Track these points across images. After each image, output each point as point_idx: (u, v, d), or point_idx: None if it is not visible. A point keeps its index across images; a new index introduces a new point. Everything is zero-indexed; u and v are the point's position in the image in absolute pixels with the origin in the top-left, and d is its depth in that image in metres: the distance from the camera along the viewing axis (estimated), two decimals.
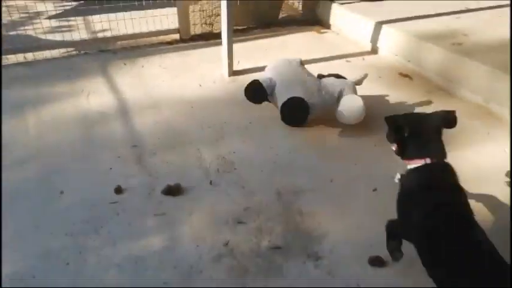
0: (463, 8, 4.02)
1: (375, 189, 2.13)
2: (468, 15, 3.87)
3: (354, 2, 4.19)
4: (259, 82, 2.59)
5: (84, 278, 1.65)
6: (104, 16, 3.62)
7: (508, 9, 4.00)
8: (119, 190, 2.09)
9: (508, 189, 2.14)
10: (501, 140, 2.52)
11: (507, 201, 2.06)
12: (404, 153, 1.60)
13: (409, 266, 1.70)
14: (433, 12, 3.88)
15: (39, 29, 3.53)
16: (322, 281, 1.65)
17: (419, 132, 1.59)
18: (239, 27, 4.13)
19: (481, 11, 3.98)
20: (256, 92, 2.61)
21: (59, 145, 2.42)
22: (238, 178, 2.20)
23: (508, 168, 2.27)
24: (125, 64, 3.40)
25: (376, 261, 1.70)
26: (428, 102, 2.93)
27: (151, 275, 1.66)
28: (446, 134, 2.52)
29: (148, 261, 1.72)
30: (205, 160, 2.33)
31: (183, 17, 3.80)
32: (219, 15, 3.73)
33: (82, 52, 3.59)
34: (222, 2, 2.99)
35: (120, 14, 3.60)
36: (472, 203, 2.00)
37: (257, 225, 1.91)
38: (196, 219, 1.94)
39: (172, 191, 2.08)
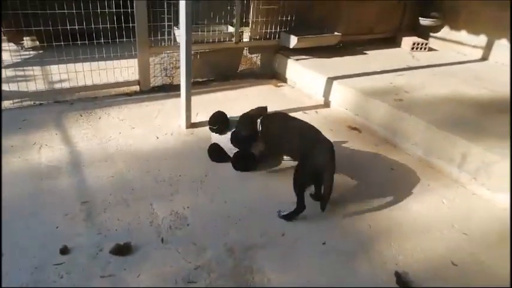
0: (405, 66, 4.39)
1: (324, 243, 2.19)
2: (409, 73, 4.23)
3: (307, 58, 4.47)
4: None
5: None
6: (63, 66, 3.64)
7: (440, 68, 4.43)
8: (64, 250, 2.02)
9: (447, 238, 2.27)
10: (440, 192, 2.70)
11: (449, 251, 2.18)
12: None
13: None
14: (379, 70, 4.21)
15: None
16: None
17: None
18: (199, 80, 4.27)
19: (420, 69, 4.37)
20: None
21: (4, 201, 2.32)
22: (191, 234, 2.20)
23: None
24: (81, 116, 3.39)
25: None
26: (375, 155, 3.11)
27: None
28: (390, 184, 2.67)
29: None
30: (158, 216, 2.32)
31: (144, 69, 3.89)
32: (179, 67, 3.85)
33: (37, 103, 3.55)
34: (181, 54, 3.11)
35: (80, 65, 3.64)
36: (416, 254, 2.12)
37: (207, 284, 1.89)
38: (145, 280, 1.90)
39: (121, 250, 2.04)
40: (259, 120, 2.73)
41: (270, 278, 1.95)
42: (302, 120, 2.67)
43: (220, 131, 2.98)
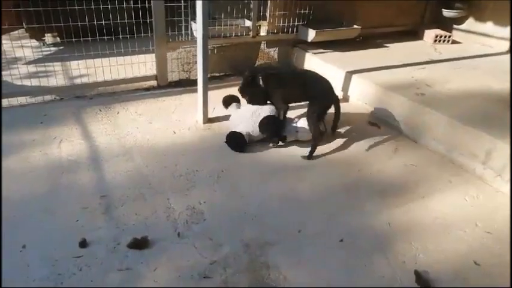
0: (427, 60, 4.27)
1: (341, 240, 2.16)
2: (431, 67, 4.10)
3: (326, 52, 4.40)
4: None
5: None
6: (82, 62, 3.69)
7: (464, 61, 4.28)
8: (83, 243, 2.06)
9: (470, 237, 2.20)
10: (462, 189, 2.62)
11: (471, 251, 2.11)
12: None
13: None
14: (400, 63, 4.10)
15: (16, 75, 3.56)
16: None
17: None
18: (215, 74, 4.26)
19: (443, 63, 4.24)
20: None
21: (25, 195, 2.38)
22: (207, 229, 2.20)
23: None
24: (100, 110, 3.44)
25: None
26: (395, 150, 3.04)
27: None
28: (410, 181, 2.61)
29: None
30: (175, 211, 2.33)
31: (161, 64, 3.91)
32: (196, 62, 3.84)
33: (58, 98, 3.62)
34: (198, 49, 3.10)
35: (99, 61, 3.68)
36: (436, 253, 2.06)
37: (223, 280, 1.89)
38: (161, 274, 1.91)
39: (139, 244, 2.06)
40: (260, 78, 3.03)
41: (286, 274, 1.93)
42: (300, 69, 3.27)
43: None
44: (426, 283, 1.89)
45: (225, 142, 2.95)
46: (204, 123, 3.30)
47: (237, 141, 2.93)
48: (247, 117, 3.03)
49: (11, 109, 3.39)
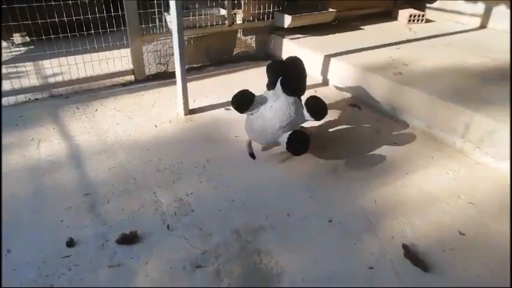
0: (403, 39, 4.32)
1: (330, 221, 2.18)
2: (407, 46, 4.16)
3: (303, 37, 4.39)
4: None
5: None
6: (55, 61, 3.58)
7: (438, 39, 4.35)
8: (71, 243, 2.02)
9: (453, 209, 2.26)
10: (444, 163, 2.68)
11: (456, 221, 2.17)
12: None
13: None
14: (377, 44, 4.14)
15: None
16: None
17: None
18: (194, 65, 4.21)
19: (418, 41, 4.30)
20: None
21: (6, 199, 2.31)
22: (196, 220, 2.19)
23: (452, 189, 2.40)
24: (77, 109, 3.35)
25: None
26: (377, 130, 3.08)
27: None
28: (393, 159, 2.66)
29: None
30: (162, 204, 2.30)
31: (137, 57, 3.83)
32: (173, 54, 3.78)
33: (32, 99, 3.51)
34: (173, 41, 3.05)
35: (72, 58, 3.58)
36: (423, 227, 2.12)
37: (215, 269, 1.89)
38: (153, 267, 1.89)
39: (128, 239, 2.03)
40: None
41: (278, 259, 1.94)
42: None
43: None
44: (415, 256, 1.93)
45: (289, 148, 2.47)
46: (186, 115, 3.26)
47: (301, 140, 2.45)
48: (283, 110, 2.49)
49: None
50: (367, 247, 2.02)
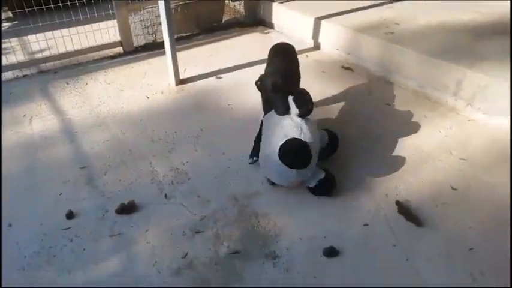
0: None
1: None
2: (398, 5, 4.07)
3: (292, 0, 4.28)
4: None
5: None
6: (40, 35, 3.49)
7: None
8: (70, 215, 2.05)
9: (446, 165, 2.29)
10: (436, 122, 2.70)
11: (448, 177, 2.21)
12: None
13: (363, 254, 1.80)
14: (367, 4, 4.05)
15: None
16: (281, 278, 1.70)
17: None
18: (183, 35, 4.12)
19: (409, 1, 4.20)
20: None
21: (3, 176, 2.31)
22: (193, 188, 2.21)
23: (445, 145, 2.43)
24: (67, 83, 3.30)
25: (330, 252, 1.78)
26: (370, 91, 3.08)
27: None
28: (386, 119, 2.67)
29: (106, 285, 1.70)
30: (159, 174, 2.32)
31: (124, 29, 3.74)
32: (160, 23, 3.70)
33: (20, 75, 3.44)
34: (160, 9, 2.97)
35: (58, 32, 3.49)
36: (416, 183, 2.16)
37: (215, 233, 1.93)
38: (153, 235, 1.94)
39: (126, 209, 2.06)
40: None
41: (276, 220, 1.98)
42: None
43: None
44: (408, 211, 1.98)
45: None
46: (177, 85, 3.23)
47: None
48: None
49: None
50: (362, 205, 2.06)
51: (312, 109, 2.13)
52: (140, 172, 2.33)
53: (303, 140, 2.00)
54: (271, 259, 1.78)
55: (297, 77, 2.53)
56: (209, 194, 2.17)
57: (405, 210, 1.99)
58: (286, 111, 2.13)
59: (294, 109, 2.10)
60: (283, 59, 2.50)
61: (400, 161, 2.35)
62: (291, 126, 2.08)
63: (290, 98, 2.11)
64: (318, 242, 1.85)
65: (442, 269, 1.72)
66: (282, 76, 2.25)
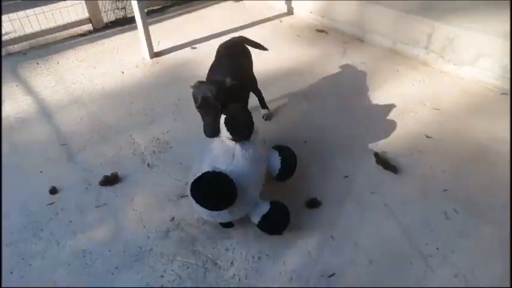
0: None
1: (305, 141, 2.26)
2: None
3: None
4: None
5: (32, 281, 1.63)
6: (4, 17, 3.36)
7: None
8: (54, 190, 2.04)
9: (420, 116, 2.37)
10: (409, 76, 2.76)
11: (422, 126, 2.29)
12: None
13: (343, 203, 1.86)
14: None
15: None
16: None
17: None
18: (154, 8, 4.03)
19: None
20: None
21: None
22: (175, 156, 2.23)
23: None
24: (37, 64, 3.21)
25: (313, 203, 1.84)
26: (344, 52, 3.11)
27: (102, 263, 1.68)
28: (361, 77, 2.70)
29: (96, 252, 1.72)
30: (140, 145, 2.32)
31: (92, 5, 3.63)
32: None
33: None
34: None
35: (22, 12, 3.37)
36: (392, 134, 2.23)
37: None
38: (139, 202, 1.96)
39: (110, 180, 2.07)
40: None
41: None
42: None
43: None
44: (385, 161, 2.06)
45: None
46: (151, 58, 3.19)
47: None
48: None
49: None
50: (341, 159, 2.12)
51: (249, 134, 1.68)
52: (121, 145, 2.33)
53: (230, 170, 1.58)
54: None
55: (247, 84, 2.14)
56: (191, 160, 2.18)
57: (382, 161, 2.06)
58: (215, 133, 1.69)
59: (225, 131, 1.65)
60: (230, 62, 2.04)
61: (376, 115, 2.42)
62: (220, 151, 1.67)
63: (222, 118, 1.66)
64: (301, 195, 1.90)
65: (417, 210, 1.81)
66: (218, 88, 1.72)
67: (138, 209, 1.93)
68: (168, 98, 2.71)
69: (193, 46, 3.30)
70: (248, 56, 2.27)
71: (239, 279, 1.59)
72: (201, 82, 1.80)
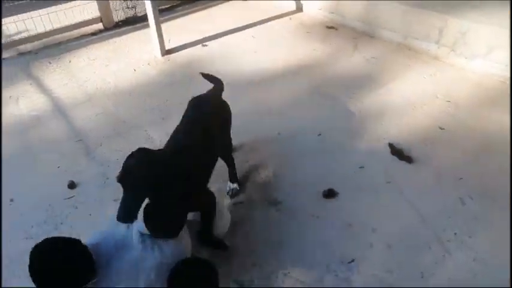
0: None
1: (319, 134, 2.28)
2: None
3: None
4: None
5: None
6: (16, 17, 3.40)
7: None
8: (72, 185, 2.07)
9: (433, 109, 2.38)
10: (420, 70, 2.77)
11: (435, 119, 2.30)
12: None
13: (359, 193, 1.88)
14: None
15: None
16: (284, 221, 1.77)
17: None
18: (163, 7, 4.06)
19: None
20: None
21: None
22: None
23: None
24: (50, 63, 3.24)
25: (329, 194, 1.86)
26: (355, 48, 3.12)
27: None
28: (372, 72, 2.70)
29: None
30: (155, 140, 2.35)
31: (103, 4, 3.66)
32: None
33: None
34: None
35: (35, 12, 3.41)
36: (405, 127, 2.24)
37: (217, 188, 1.97)
38: None
39: None
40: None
41: (275, 170, 2.05)
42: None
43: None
44: (400, 152, 2.07)
45: None
46: (163, 55, 3.21)
47: None
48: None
49: None
50: (357, 149, 2.14)
51: (175, 233, 1.32)
52: (136, 140, 2.35)
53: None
54: (273, 205, 1.85)
55: (213, 151, 1.69)
56: None
57: (397, 151, 2.07)
58: (127, 217, 1.26)
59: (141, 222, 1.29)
60: (193, 122, 1.71)
61: (388, 108, 2.43)
62: (123, 238, 1.31)
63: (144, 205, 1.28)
64: (317, 186, 1.92)
65: (433, 197, 1.83)
66: (150, 161, 1.34)
67: None
68: (181, 94, 2.71)
69: (204, 43, 3.33)
70: (223, 115, 1.85)
71: (260, 266, 1.59)
72: (142, 149, 1.40)
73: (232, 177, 1.95)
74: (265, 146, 2.22)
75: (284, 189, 1.93)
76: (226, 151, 1.91)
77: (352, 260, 1.60)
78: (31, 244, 1.76)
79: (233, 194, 1.94)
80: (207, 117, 1.71)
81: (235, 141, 2.26)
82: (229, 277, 1.56)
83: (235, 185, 1.95)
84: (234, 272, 1.58)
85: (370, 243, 1.65)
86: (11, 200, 2.02)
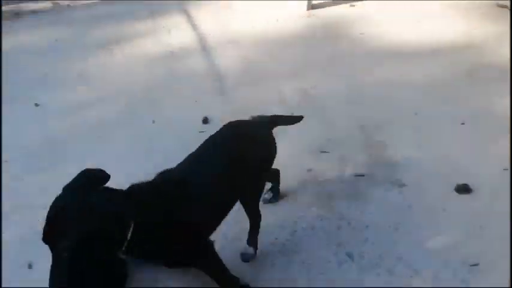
0: None
1: (463, 123, 2.04)
2: None
3: None
4: None
5: None
6: None
7: None
8: (206, 120, 2.23)
9: None
10: None
11: None
12: None
13: (496, 196, 1.67)
14: None
15: None
16: (406, 206, 1.67)
17: None
18: None
19: None
20: None
21: (147, 80, 2.58)
22: (320, 110, 2.22)
23: None
24: (204, 4, 3.44)
25: (463, 189, 1.68)
26: None
27: None
28: None
29: None
30: (286, 95, 2.37)
31: None
32: None
33: None
34: None
35: None
36: None
37: (340, 155, 1.94)
38: (280, 148, 2.01)
39: None
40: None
41: (404, 152, 1.91)
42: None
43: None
44: None
45: None
46: (308, 9, 3.16)
47: None
48: None
49: (118, 2, 3.55)
50: (504, 147, 1.86)
51: None
52: (268, 91, 2.40)
53: None
54: (397, 186, 1.75)
55: (231, 195, 1.32)
56: (336, 118, 2.16)
57: None
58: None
59: None
60: (216, 154, 1.35)
61: None
62: None
63: None
64: (450, 178, 1.74)
65: None
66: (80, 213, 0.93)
67: (278, 154, 1.98)
68: (321, 53, 2.68)
69: (352, 4, 3.16)
70: (261, 153, 1.43)
71: (373, 244, 1.54)
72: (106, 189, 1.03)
73: (252, 239, 1.47)
74: (399, 123, 2.08)
75: (411, 172, 1.80)
76: (252, 201, 1.42)
77: (476, 264, 1.44)
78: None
79: (244, 259, 1.47)
80: (235, 148, 1.31)
81: (365, 113, 2.16)
82: (341, 246, 1.54)
83: (251, 250, 1.47)
84: (346, 243, 1.55)
85: (503, 254, 1.45)
86: (153, 122, 2.26)
